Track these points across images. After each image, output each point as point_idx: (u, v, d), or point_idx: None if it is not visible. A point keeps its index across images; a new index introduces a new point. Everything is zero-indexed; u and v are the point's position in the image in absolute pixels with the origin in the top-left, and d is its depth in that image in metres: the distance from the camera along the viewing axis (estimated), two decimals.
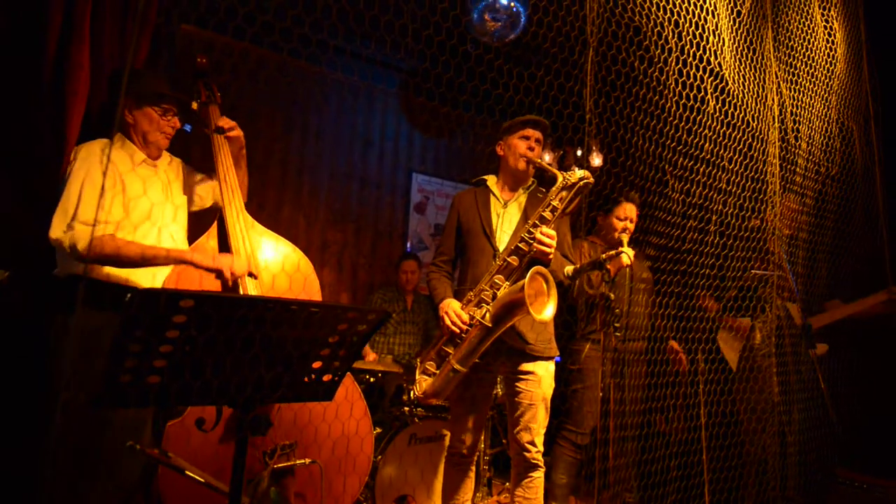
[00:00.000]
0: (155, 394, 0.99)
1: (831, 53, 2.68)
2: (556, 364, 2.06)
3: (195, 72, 1.94)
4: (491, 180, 2.14)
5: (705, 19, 2.12)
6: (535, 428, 1.95)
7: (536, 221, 1.87)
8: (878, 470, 2.32)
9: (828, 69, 2.64)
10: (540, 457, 1.96)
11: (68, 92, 1.70)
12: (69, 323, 1.58)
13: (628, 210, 2.59)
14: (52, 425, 1.45)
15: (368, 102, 4.20)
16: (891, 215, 2.79)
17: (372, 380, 3.04)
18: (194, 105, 1.89)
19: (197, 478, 1.42)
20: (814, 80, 2.56)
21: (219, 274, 1.69)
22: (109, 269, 1.65)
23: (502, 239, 2.01)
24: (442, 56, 1.85)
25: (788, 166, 2.41)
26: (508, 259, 1.88)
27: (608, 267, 1.93)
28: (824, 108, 2.60)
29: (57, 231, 1.55)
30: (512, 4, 3.01)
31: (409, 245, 4.31)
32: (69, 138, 1.70)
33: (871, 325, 2.49)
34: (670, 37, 2.03)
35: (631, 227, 2.58)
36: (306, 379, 1.18)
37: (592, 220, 2.69)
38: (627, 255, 2.11)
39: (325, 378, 1.20)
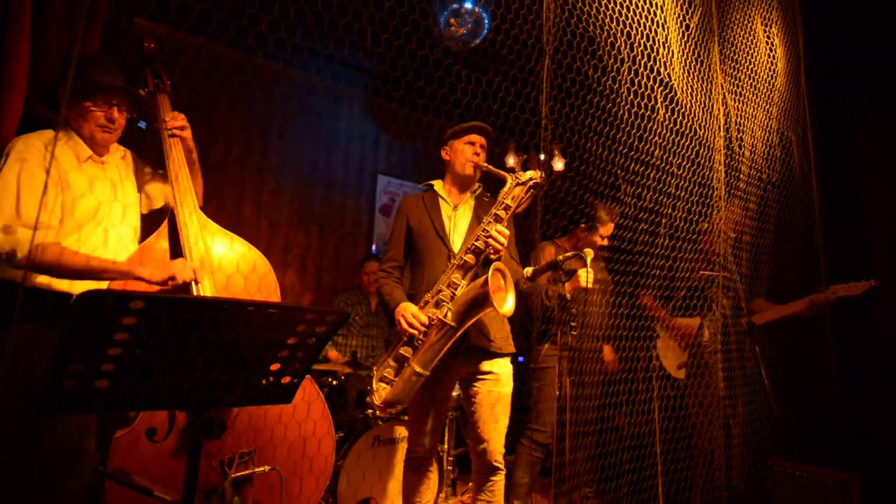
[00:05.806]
0: (102, 398, 0.96)
1: (772, 67, 2.85)
2: (518, 364, 2.08)
3: (142, 57, 1.78)
4: (438, 185, 2.17)
5: (656, 32, 2.22)
6: (496, 428, 1.94)
7: (491, 219, 1.90)
8: (814, 459, 2.47)
9: (769, 82, 2.81)
10: (501, 458, 1.96)
11: (4, 84, 1.61)
12: (3, 332, 1.47)
13: (610, 228, 2.62)
14: None
15: (333, 103, 4.15)
16: (826, 219, 2.99)
17: (335, 383, 3.01)
18: (141, 92, 1.75)
19: (164, 497, 1.37)
20: (756, 91, 2.72)
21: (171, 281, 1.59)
22: (51, 278, 1.53)
23: (455, 241, 2.03)
24: (401, 59, 1.86)
25: (733, 172, 2.54)
26: (465, 258, 1.89)
27: (564, 269, 1.98)
28: (766, 119, 2.76)
29: None
30: (476, 10, 3.05)
31: (374, 247, 4.29)
32: (5, 132, 1.61)
33: (805, 320, 2.64)
34: (623, 47, 2.12)
35: (606, 242, 2.63)
36: (264, 381, 1.16)
37: (548, 223, 2.74)
38: (587, 277, 2.13)
39: (284, 380, 1.19)
